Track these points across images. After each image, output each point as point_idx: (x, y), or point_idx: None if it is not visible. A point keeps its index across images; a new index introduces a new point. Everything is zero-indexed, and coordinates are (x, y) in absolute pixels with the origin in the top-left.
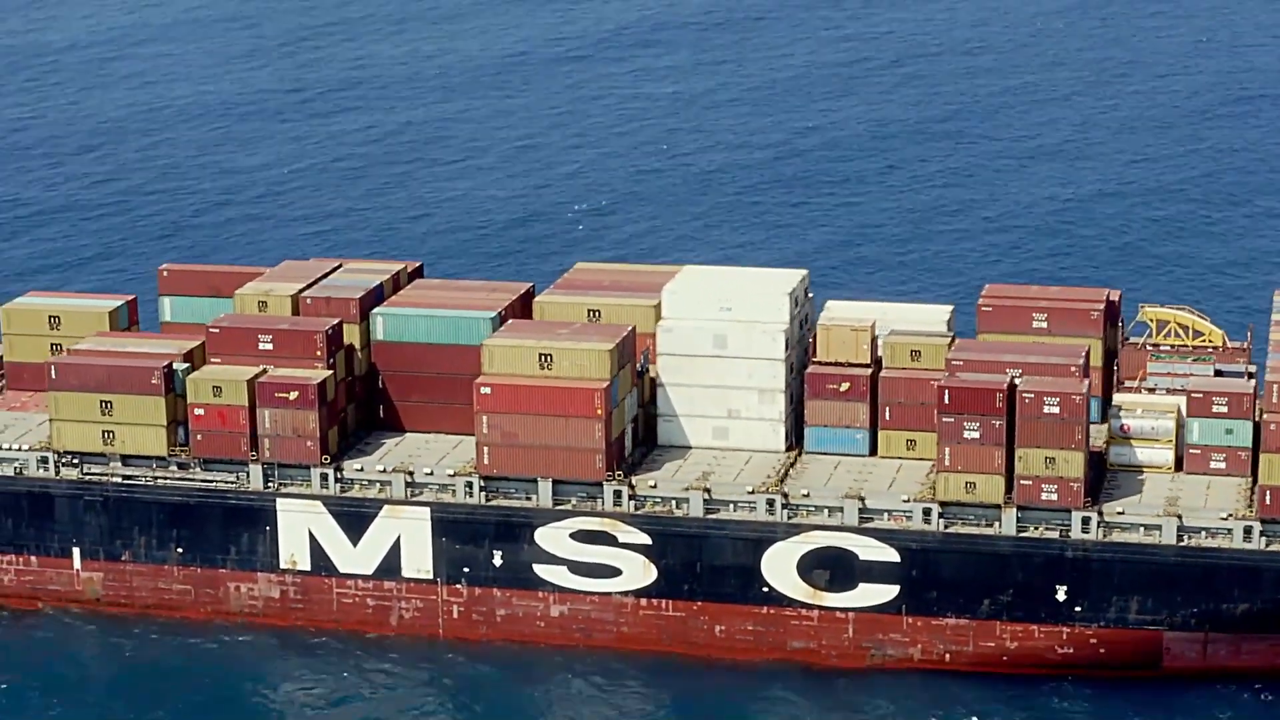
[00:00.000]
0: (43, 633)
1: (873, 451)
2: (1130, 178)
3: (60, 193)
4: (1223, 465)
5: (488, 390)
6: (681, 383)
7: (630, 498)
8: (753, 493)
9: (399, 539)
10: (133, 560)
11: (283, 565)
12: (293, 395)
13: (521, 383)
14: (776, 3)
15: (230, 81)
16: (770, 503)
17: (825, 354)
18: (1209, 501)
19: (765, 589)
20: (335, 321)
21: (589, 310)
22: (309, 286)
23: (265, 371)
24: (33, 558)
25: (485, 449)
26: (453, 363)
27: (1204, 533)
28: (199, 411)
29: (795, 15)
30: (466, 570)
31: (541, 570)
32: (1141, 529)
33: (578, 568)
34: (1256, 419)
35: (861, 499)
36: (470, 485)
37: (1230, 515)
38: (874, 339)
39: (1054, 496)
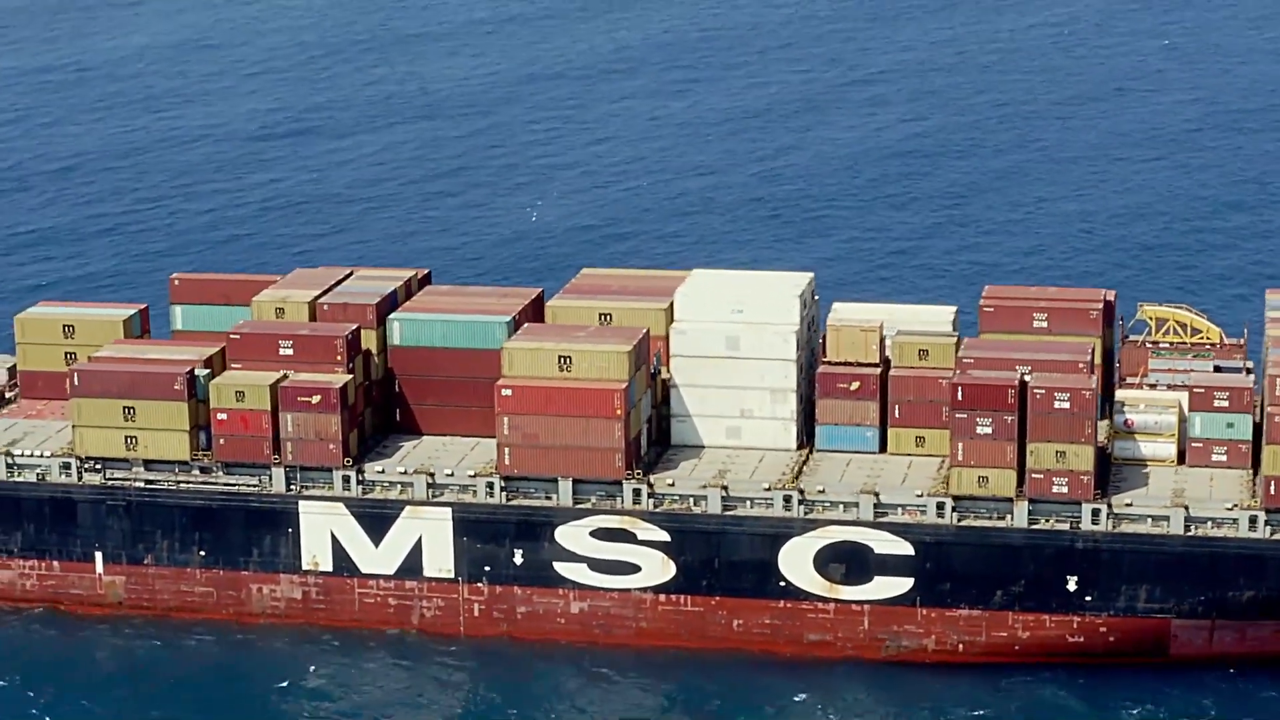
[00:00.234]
0: (65, 635)
1: (882, 448)
2: (1122, 180)
3: (65, 207)
4: (1224, 458)
5: (509, 392)
6: (695, 383)
7: (649, 496)
8: (769, 489)
9: (420, 539)
10: (155, 563)
11: (305, 566)
12: (315, 399)
13: (542, 384)
14: (781, 27)
15: (236, 102)
16: (787, 499)
17: (835, 354)
18: (1213, 493)
19: (782, 583)
20: (354, 327)
21: (600, 314)
22: (325, 293)
23: (286, 376)
24: (55, 562)
25: (506, 450)
26: (469, 366)
27: (1210, 523)
28: (221, 416)
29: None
30: (487, 569)
31: (562, 568)
32: (1149, 520)
33: (597, 565)
34: (1256, 413)
35: (876, 494)
36: (491, 485)
37: (1235, 505)
38: (882, 339)
39: (1064, 489)
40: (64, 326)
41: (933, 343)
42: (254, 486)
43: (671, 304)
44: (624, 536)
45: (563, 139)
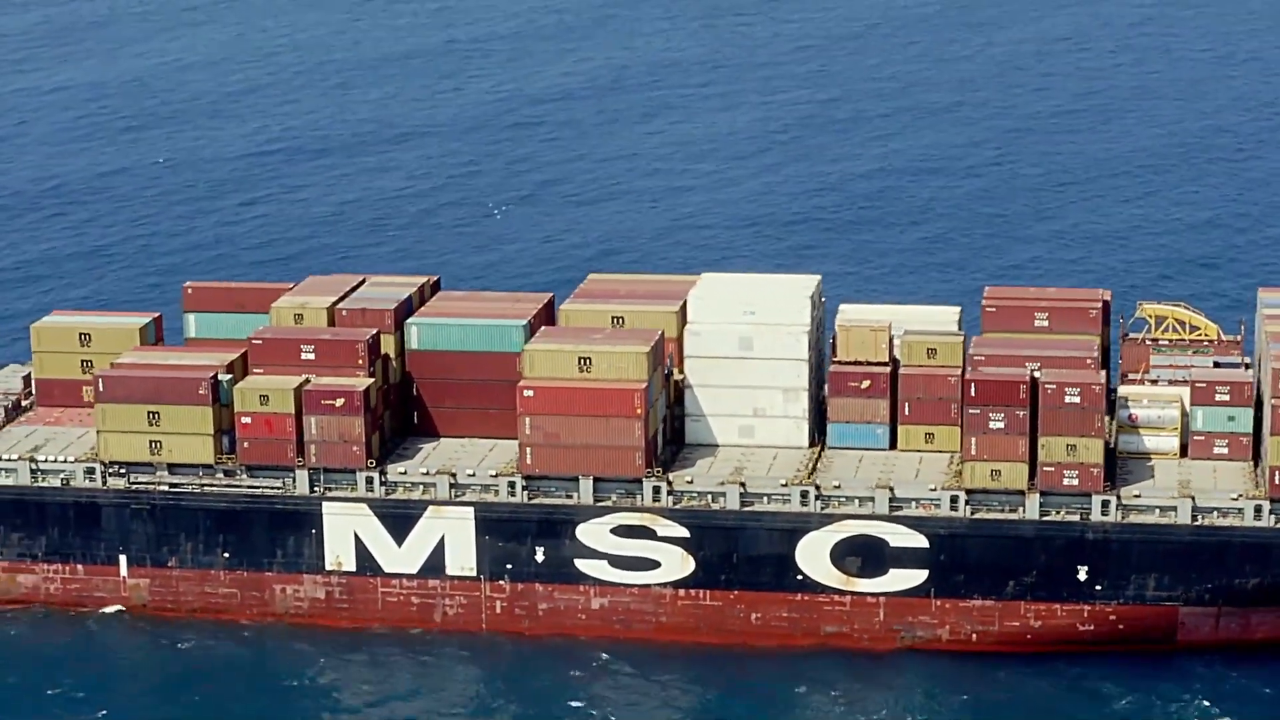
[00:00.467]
0: (90, 637)
1: (892, 445)
2: (1115, 181)
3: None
4: (1225, 450)
5: (530, 393)
6: (708, 383)
7: (669, 493)
8: (786, 485)
9: (443, 538)
10: (179, 566)
11: (328, 567)
12: (339, 402)
13: (562, 385)
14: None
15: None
16: (804, 494)
17: (845, 353)
18: (1217, 484)
19: (799, 577)
20: (374, 331)
21: (613, 317)
22: (341, 299)
23: (309, 380)
24: (79, 566)
25: (528, 449)
26: (487, 369)
27: (1216, 512)
28: (246, 420)
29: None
30: (509, 567)
31: (582, 565)
32: (1157, 511)
33: (618, 561)
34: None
35: (891, 489)
36: (513, 485)
37: (1240, 496)
38: (891, 339)
39: (1075, 481)
40: (80, 335)
41: (940, 342)
42: (278, 489)
43: (682, 307)
44: (644, 533)
45: (557, 149)
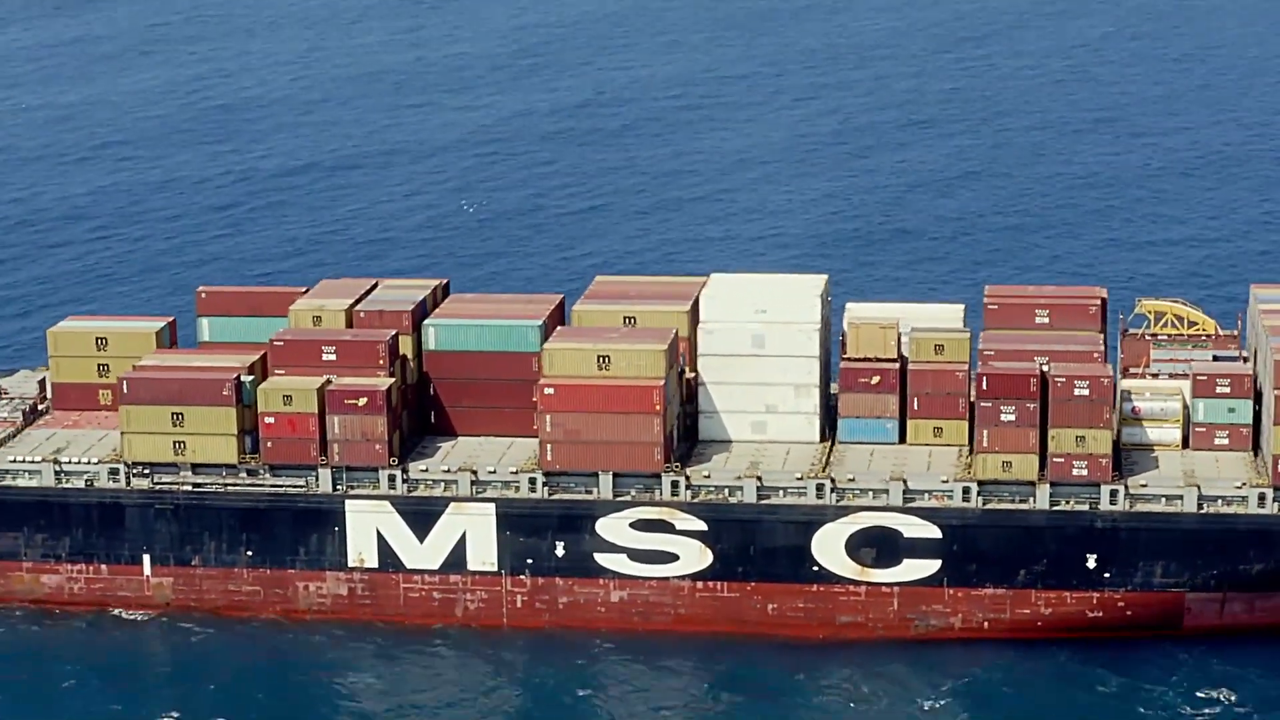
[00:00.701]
0: (113, 636)
1: (901, 439)
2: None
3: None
4: (1226, 441)
5: (551, 391)
6: (721, 380)
7: (687, 487)
8: (801, 479)
9: (465, 534)
10: (202, 565)
11: (351, 564)
12: (362, 402)
13: (582, 383)
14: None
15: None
16: (819, 487)
17: (855, 350)
18: (1220, 473)
19: (815, 568)
20: (393, 332)
21: (625, 317)
22: (358, 302)
23: (330, 380)
24: (103, 565)
25: (548, 446)
26: (503, 369)
27: (1221, 501)
28: (269, 420)
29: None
30: (530, 561)
31: (602, 559)
32: (1164, 499)
33: (637, 555)
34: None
35: (904, 481)
36: (533, 481)
37: (1244, 484)
38: (899, 335)
39: (1084, 472)
40: (97, 339)
41: (947, 338)
42: (301, 487)
43: (692, 306)
44: (662, 527)
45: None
